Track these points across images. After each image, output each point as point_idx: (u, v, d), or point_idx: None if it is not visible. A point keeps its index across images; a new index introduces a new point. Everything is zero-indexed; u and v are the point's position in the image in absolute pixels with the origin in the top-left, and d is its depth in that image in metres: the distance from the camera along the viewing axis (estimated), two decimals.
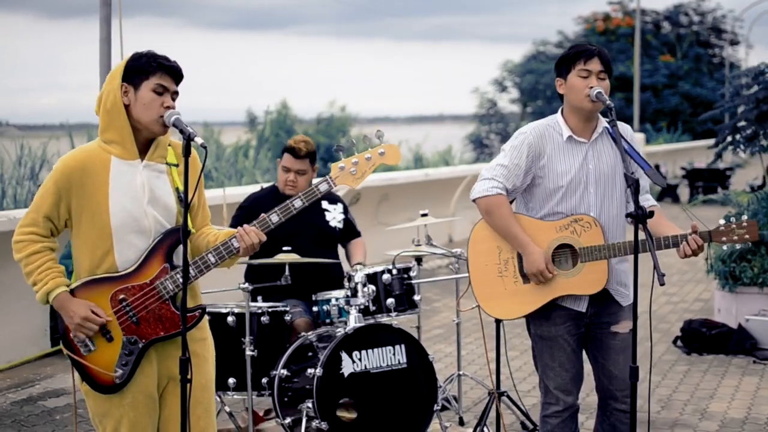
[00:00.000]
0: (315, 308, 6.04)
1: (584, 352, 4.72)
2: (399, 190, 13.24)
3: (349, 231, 6.48)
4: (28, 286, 3.84)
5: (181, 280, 3.77)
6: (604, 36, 44.21)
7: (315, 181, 3.98)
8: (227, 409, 5.88)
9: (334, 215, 6.44)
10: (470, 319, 8.88)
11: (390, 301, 5.88)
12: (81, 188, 3.78)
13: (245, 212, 6.37)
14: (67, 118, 19.30)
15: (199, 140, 3.66)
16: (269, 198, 6.39)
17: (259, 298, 6.15)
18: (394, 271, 5.90)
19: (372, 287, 5.82)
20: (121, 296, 3.80)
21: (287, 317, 5.88)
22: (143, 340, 3.82)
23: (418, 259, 6.29)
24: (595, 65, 4.48)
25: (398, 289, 5.87)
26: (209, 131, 29.63)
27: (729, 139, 8.59)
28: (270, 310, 5.85)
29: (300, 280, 6.13)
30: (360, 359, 5.50)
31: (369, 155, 3.97)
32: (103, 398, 3.86)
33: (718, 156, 8.92)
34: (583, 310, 4.58)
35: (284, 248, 5.94)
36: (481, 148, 45.99)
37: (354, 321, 5.67)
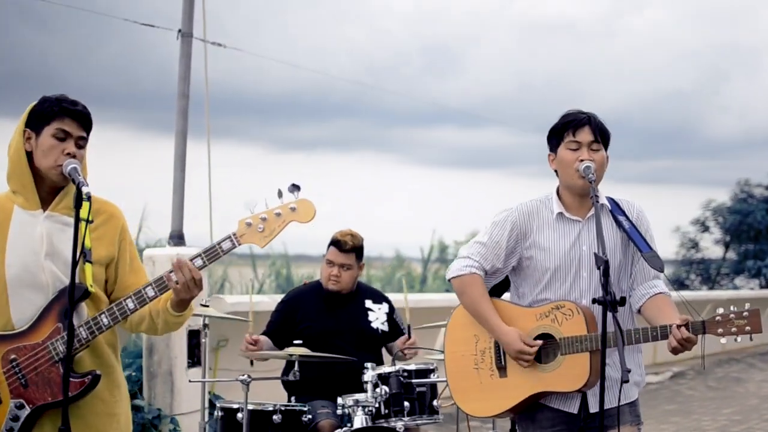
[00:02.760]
0: (339, 411, 5.62)
1: None
2: None
3: (396, 332, 6.09)
4: None
5: (78, 338, 3.51)
6: None
7: (217, 239, 3.62)
8: None
9: (377, 315, 6.08)
10: None
11: (406, 404, 5.39)
12: None
13: (285, 306, 6.12)
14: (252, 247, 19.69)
15: (85, 189, 3.40)
16: (312, 293, 6.12)
17: (293, 398, 5.84)
18: (390, 369, 5.43)
19: (385, 388, 5.38)
20: (12, 356, 3.54)
21: (305, 418, 5.49)
22: (30, 405, 3.53)
23: None
24: (585, 136, 4.02)
25: (395, 389, 5.37)
26: (407, 265, 29.45)
27: None
28: (284, 408, 5.47)
29: (327, 380, 5.76)
30: None
31: (279, 211, 3.56)
32: None
33: None
34: (575, 412, 4.01)
35: (294, 342, 5.59)
36: (682, 288, 44.29)
37: (359, 423, 5.23)
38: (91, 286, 3.57)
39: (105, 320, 3.55)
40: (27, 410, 3.53)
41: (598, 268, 3.67)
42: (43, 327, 3.55)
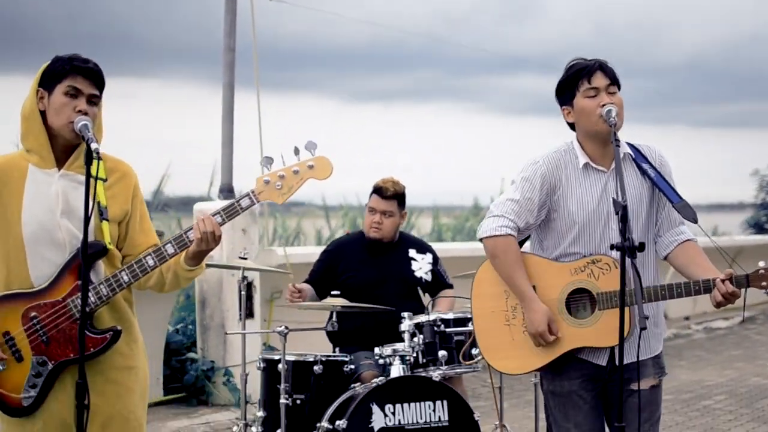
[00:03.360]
0: (381, 361, 5.65)
1: None
2: None
3: (438, 283, 6.07)
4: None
5: (99, 295, 3.56)
6: None
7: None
8: None
9: (421, 265, 6.05)
10: None
11: (443, 353, 5.38)
12: None
13: (328, 257, 6.13)
14: (326, 198, 19.77)
15: (94, 146, 3.42)
16: (354, 243, 6.12)
17: (337, 348, 5.88)
18: (425, 319, 5.42)
19: (422, 337, 5.38)
20: (33, 313, 3.57)
21: (347, 368, 5.52)
22: (52, 362, 3.57)
23: None
24: (600, 80, 3.92)
25: (429, 338, 5.36)
26: (484, 214, 29.30)
27: None
28: (325, 359, 5.50)
29: (369, 331, 5.78)
30: (393, 413, 5.09)
31: (297, 168, 3.60)
32: (15, 422, 3.62)
33: None
34: (603, 364, 3.96)
35: (332, 292, 5.61)
36: (761, 232, 43.39)
37: (397, 373, 5.25)
38: (109, 243, 3.58)
39: (125, 277, 3.58)
40: (49, 366, 3.57)
41: (617, 213, 3.59)
42: (63, 284, 3.58)
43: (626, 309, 3.78)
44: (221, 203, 7.94)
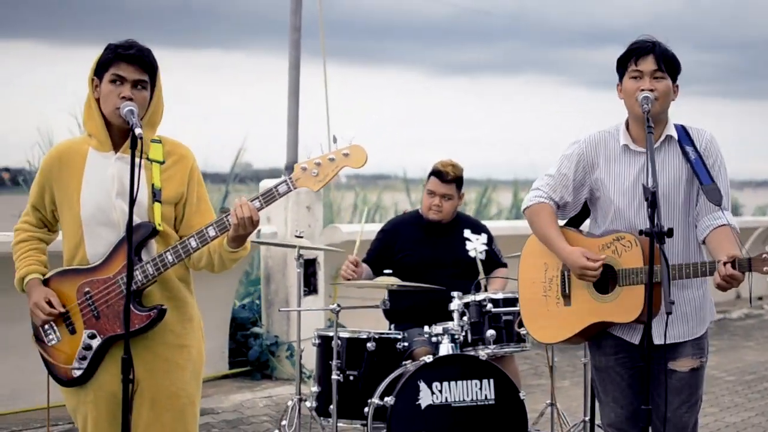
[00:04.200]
0: (434, 339, 5.77)
1: None
2: None
3: (492, 262, 6.16)
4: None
5: (145, 274, 3.72)
6: None
7: (274, 182, 3.81)
8: None
9: (475, 245, 6.13)
10: None
11: (491, 332, 5.48)
12: (59, 179, 3.84)
13: (385, 236, 6.24)
14: (407, 171, 19.79)
15: (137, 131, 3.59)
16: (411, 223, 6.22)
17: (393, 326, 6.01)
18: (473, 298, 5.51)
19: (469, 316, 5.48)
20: (86, 289, 3.77)
21: (399, 345, 5.65)
22: (101, 336, 3.77)
23: None
24: (648, 65, 3.97)
25: (475, 317, 5.46)
26: None
27: None
28: (378, 336, 5.64)
29: (423, 309, 5.89)
30: (441, 391, 5.20)
31: (333, 156, 3.74)
32: (71, 391, 3.84)
33: None
34: (636, 343, 4.05)
35: (384, 271, 5.73)
36: None
37: (445, 351, 5.36)
38: (159, 224, 3.76)
39: (170, 257, 3.73)
40: (98, 340, 3.76)
41: (646, 200, 3.67)
42: (114, 262, 3.76)
43: (644, 287, 3.85)
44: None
